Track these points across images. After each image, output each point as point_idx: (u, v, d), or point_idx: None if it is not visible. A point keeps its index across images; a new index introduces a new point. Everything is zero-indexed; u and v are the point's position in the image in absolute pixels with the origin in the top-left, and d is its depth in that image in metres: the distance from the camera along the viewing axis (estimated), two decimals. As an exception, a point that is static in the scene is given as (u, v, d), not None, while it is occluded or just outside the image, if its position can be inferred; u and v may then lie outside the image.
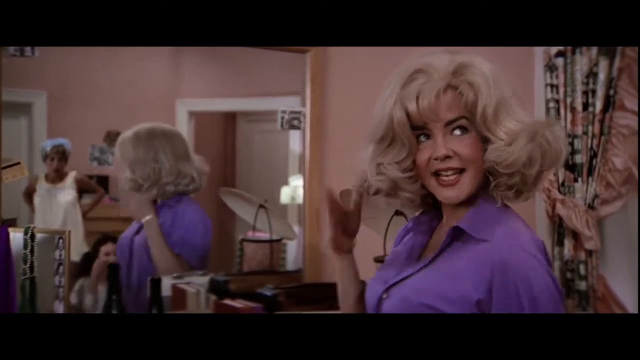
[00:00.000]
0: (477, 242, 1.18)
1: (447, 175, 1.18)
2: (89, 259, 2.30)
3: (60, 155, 2.37)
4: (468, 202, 1.21)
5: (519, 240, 1.16)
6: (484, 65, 1.19)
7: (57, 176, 2.39)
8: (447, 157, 1.17)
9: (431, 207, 1.30)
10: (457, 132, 1.17)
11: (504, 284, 1.11)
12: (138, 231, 2.25)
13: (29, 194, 2.36)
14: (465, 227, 1.19)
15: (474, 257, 1.16)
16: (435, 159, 1.18)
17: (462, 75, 1.17)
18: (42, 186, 2.38)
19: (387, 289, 1.26)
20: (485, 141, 1.17)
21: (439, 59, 1.19)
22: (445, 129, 1.17)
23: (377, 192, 1.27)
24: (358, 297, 1.38)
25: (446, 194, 1.19)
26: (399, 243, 1.39)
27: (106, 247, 2.33)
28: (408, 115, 1.18)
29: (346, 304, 1.40)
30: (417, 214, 1.34)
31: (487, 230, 1.18)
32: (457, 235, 1.21)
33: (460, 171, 1.18)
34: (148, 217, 2.21)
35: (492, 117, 1.15)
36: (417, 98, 1.16)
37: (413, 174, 1.22)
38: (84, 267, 2.28)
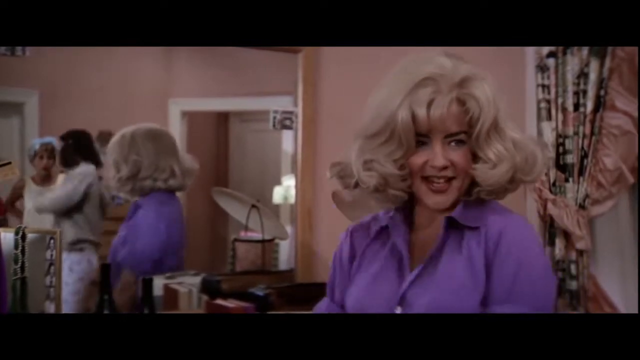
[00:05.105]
0: (472, 230, 1.21)
1: (438, 182, 1.21)
2: None
3: (49, 153, 2.35)
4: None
5: (513, 215, 1.25)
6: (485, 79, 1.21)
7: (46, 175, 2.36)
8: (445, 167, 1.20)
9: (404, 204, 1.29)
10: (454, 143, 1.20)
11: (501, 251, 1.18)
12: None
13: (12, 202, 2.33)
14: (458, 217, 1.22)
15: (476, 242, 1.20)
16: (432, 167, 1.20)
17: (467, 88, 1.19)
18: (32, 189, 2.35)
19: (400, 302, 1.22)
20: (474, 155, 1.21)
21: (445, 67, 1.20)
22: (444, 139, 1.20)
23: (357, 186, 1.26)
24: None
25: (436, 200, 1.22)
26: (367, 242, 1.33)
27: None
28: (414, 119, 1.18)
29: None
30: (390, 212, 1.30)
31: (479, 219, 1.22)
32: (451, 227, 1.23)
33: (450, 179, 1.21)
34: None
35: (485, 136, 1.19)
36: (429, 106, 1.18)
37: (406, 173, 1.22)
38: None
